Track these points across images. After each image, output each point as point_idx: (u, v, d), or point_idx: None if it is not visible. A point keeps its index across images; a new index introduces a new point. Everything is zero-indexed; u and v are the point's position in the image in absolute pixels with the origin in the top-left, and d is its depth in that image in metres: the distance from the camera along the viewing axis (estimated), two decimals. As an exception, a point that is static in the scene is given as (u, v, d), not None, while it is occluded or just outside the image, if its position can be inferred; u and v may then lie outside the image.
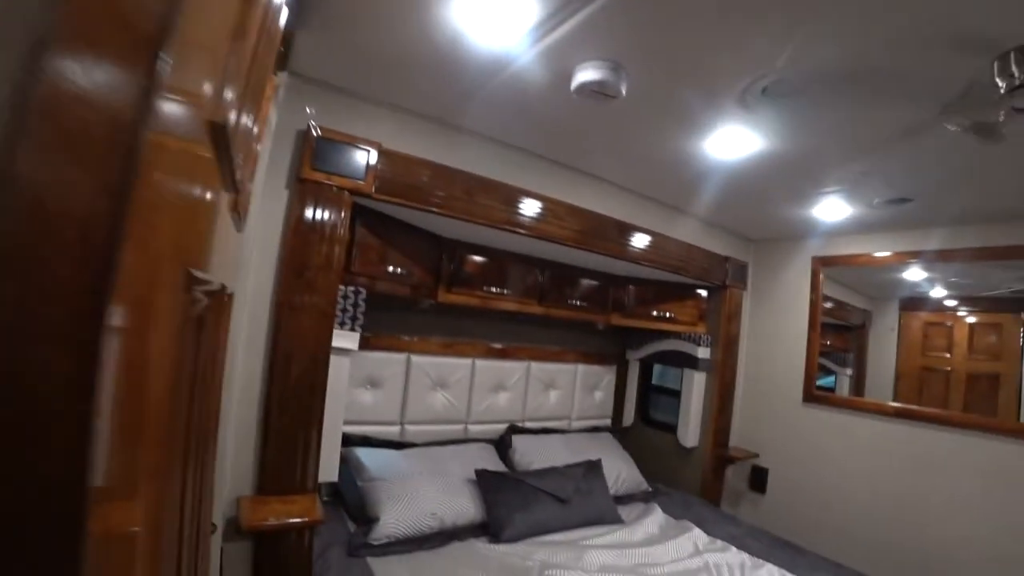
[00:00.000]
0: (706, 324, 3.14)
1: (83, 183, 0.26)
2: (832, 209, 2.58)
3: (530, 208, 2.26)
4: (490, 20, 1.34)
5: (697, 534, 2.40)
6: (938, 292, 2.83)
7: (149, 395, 0.40)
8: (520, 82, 1.64)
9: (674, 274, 2.90)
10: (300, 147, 1.79)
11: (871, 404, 2.84)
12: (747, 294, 3.40)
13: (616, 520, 2.49)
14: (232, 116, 0.66)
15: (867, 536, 2.73)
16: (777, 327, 3.31)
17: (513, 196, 2.21)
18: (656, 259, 2.74)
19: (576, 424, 3.22)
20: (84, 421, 0.26)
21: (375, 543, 1.96)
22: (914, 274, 2.85)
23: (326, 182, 1.78)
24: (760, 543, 2.36)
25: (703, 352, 3.08)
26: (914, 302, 2.91)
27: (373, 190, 1.86)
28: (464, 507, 2.22)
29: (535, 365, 3.05)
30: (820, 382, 3.11)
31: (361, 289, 1.97)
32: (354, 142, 1.83)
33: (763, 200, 2.62)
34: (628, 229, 2.63)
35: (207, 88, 0.47)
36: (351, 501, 2.21)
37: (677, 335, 3.19)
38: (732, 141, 1.90)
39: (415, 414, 2.62)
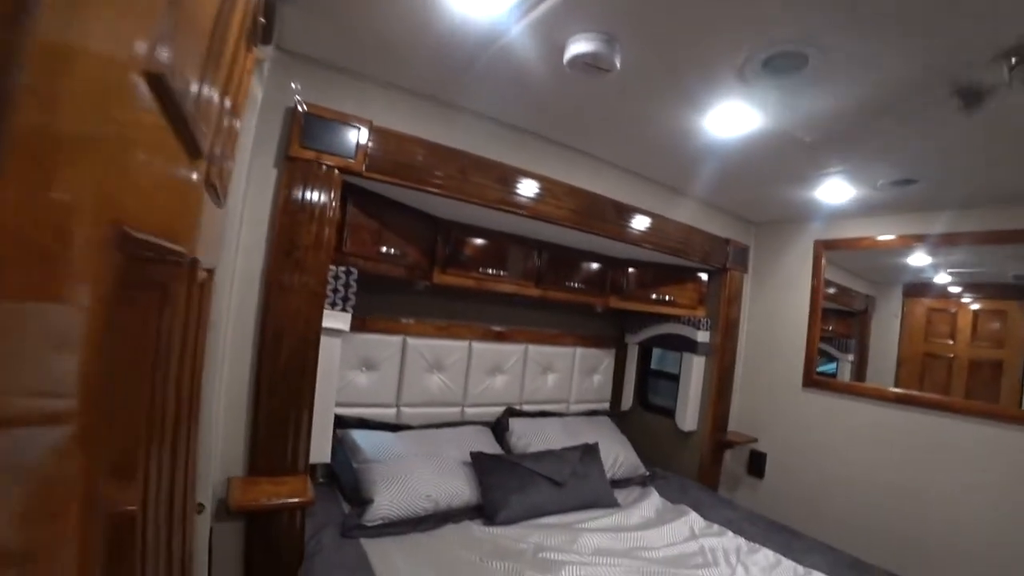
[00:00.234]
0: (706, 307, 3.11)
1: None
2: (835, 191, 2.52)
3: (526, 188, 2.22)
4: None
5: (693, 518, 2.39)
6: (942, 278, 2.78)
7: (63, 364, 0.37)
8: (512, 56, 1.58)
9: (673, 256, 2.86)
10: (288, 124, 1.75)
11: (872, 389, 2.81)
12: (748, 277, 3.35)
13: (612, 504, 2.48)
14: (188, 81, 0.63)
15: (866, 522, 2.71)
16: (778, 311, 3.26)
17: (508, 175, 2.17)
18: (655, 241, 2.70)
19: (574, 408, 3.21)
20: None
21: (369, 524, 1.96)
22: (918, 259, 2.80)
23: (315, 160, 1.75)
24: (757, 527, 2.35)
25: (702, 336, 3.04)
26: (917, 288, 2.86)
27: (364, 168, 1.82)
28: (459, 489, 2.22)
29: (533, 348, 3.02)
30: (821, 368, 3.07)
31: (353, 269, 1.94)
32: (344, 119, 1.79)
33: (764, 181, 2.56)
34: (626, 210, 2.59)
35: (139, 41, 0.44)
36: (346, 483, 2.21)
37: (676, 319, 3.16)
38: (731, 118, 1.84)
39: (411, 396, 2.61)
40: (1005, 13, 1.14)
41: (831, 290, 3.10)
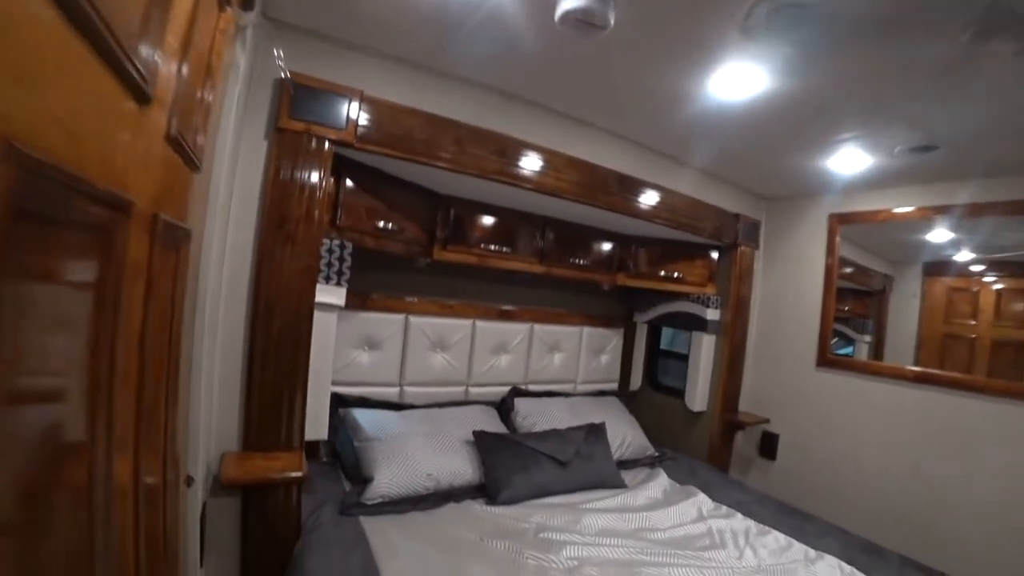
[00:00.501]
0: (716, 285, 3.01)
1: None
2: (849, 160, 2.39)
3: (525, 159, 2.15)
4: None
5: (702, 499, 2.34)
6: (964, 256, 2.65)
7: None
8: (502, 15, 1.51)
9: (682, 232, 2.77)
10: (278, 96, 1.71)
11: (888, 368, 2.70)
12: (759, 254, 3.24)
13: (619, 484, 2.44)
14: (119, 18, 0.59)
15: (880, 505, 2.62)
16: (791, 288, 3.15)
17: (506, 146, 2.10)
18: (662, 215, 2.61)
19: (581, 388, 3.16)
20: None
21: (368, 502, 1.95)
22: (939, 235, 2.67)
23: (305, 131, 1.71)
24: (767, 510, 2.28)
25: (712, 314, 2.96)
26: (938, 266, 2.73)
27: (355, 140, 1.77)
28: (461, 468, 2.19)
29: (538, 327, 2.98)
30: (839, 351, 2.96)
31: (347, 244, 1.90)
32: (334, 89, 1.74)
33: (773, 149, 2.43)
34: (631, 183, 2.50)
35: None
36: (348, 462, 2.20)
37: (686, 296, 3.07)
38: (736, 79, 1.74)
39: (414, 375, 2.59)
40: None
41: (848, 269, 2.98)
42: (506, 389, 2.84)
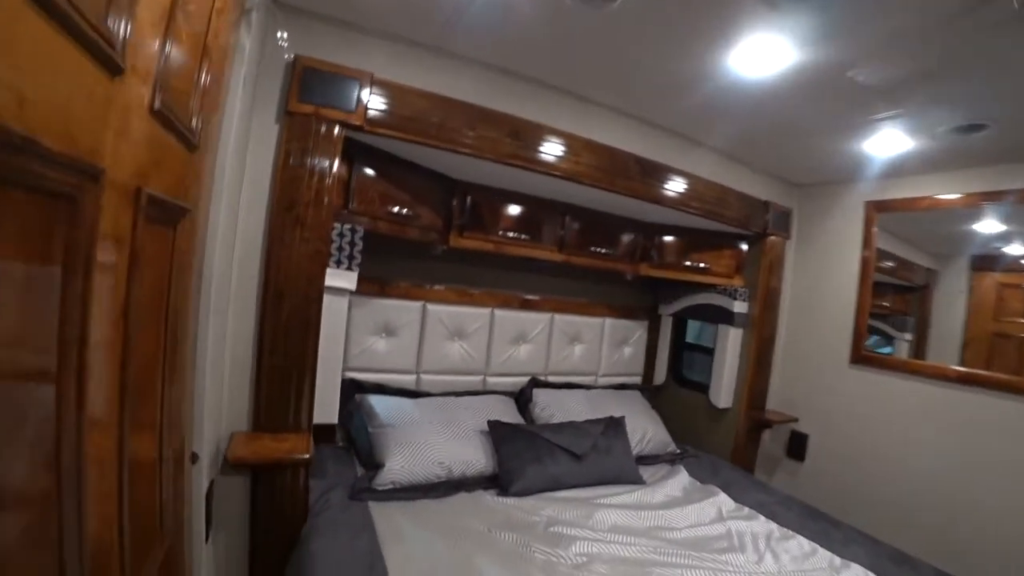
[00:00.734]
0: (744, 276, 2.89)
1: None
2: (887, 142, 2.23)
3: (540, 142, 2.10)
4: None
5: (723, 499, 2.25)
6: (1016, 248, 2.43)
7: None
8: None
9: (707, 220, 2.66)
10: (288, 80, 1.71)
11: (929, 367, 2.52)
12: (791, 244, 3.09)
13: (636, 480, 2.38)
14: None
15: (915, 513, 2.46)
16: (824, 280, 2.98)
17: (520, 128, 2.05)
18: (686, 202, 2.51)
19: (603, 380, 3.09)
20: None
21: (379, 488, 1.95)
22: (988, 225, 2.45)
23: (314, 114, 1.71)
24: (791, 512, 2.17)
25: (739, 307, 2.84)
26: (987, 260, 2.51)
27: (364, 122, 1.76)
28: (474, 458, 2.17)
29: (559, 317, 2.92)
30: (879, 351, 2.79)
31: (359, 228, 1.90)
32: (344, 72, 1.74)
33: (803, 131, 2.29)
34: (652, 167, 2.41)
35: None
36: (362, 448, 2.21)
37: (712, 288, 2.96)
38: (760, 53, 1.63)
39: (431, 364, 2.58)
40: None
41: (888, 263, 2.79)
42: (525, 380, 2.80)
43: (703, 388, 3.09)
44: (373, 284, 2.38)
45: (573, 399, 2.74)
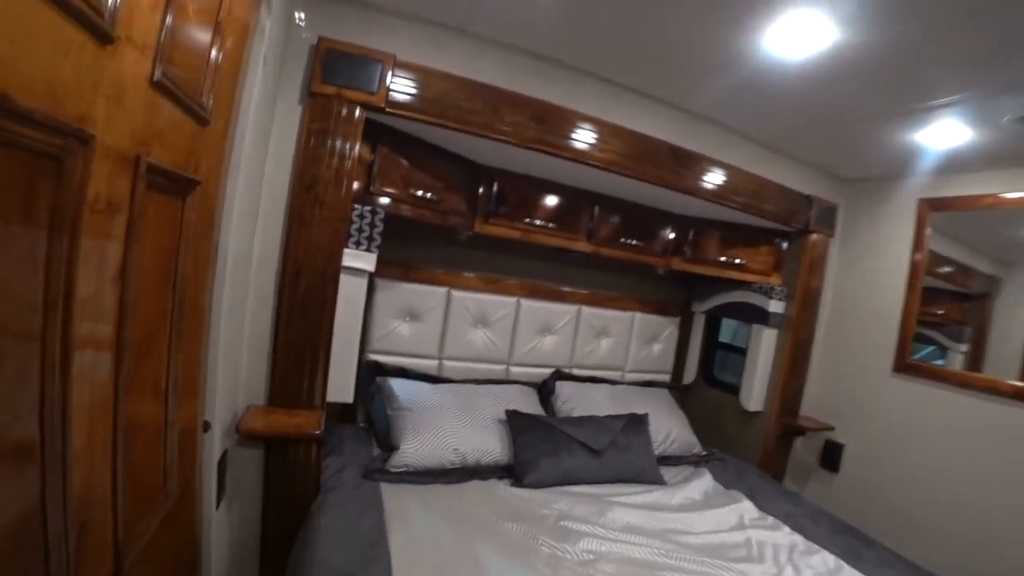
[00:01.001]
0: (781, 274, 2.74)
1: None
2: (944, 132, 2.05)
3: (565, 127, 2.05)
4: None
5: (746, 507, 2.14)
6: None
7: None
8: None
9: (744, 213, 2.53)
10: (312, 61, 1.74)
11: (981, 380, 2.31)
12: (834, 242, 2.90)
13: (656, 480, 2.30)
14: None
15: (959, 540, 2.27)
16: (869, 282, 2.79)
17: (545, 112, 2.00)
18: (721, 194, 2.40)
19: (630, 376, 3.00)
20: None
21: (392, 470, 1.97)
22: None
23: (335, 95, 1.72)
24: (819, 526, 2.03)
25: (775, 306, 2.69)
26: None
27: (385, 104, 1.77)
28: (490, 446, 2.16)
29: (586, 310, 2.86)
30: (935, 362, 2.59)
31: (379, 210, 1.90)
32: (366, 54, 1.74)
33: (848, 119, 2.12)
34: (683, 155, 2.31)
35: None
36: (380, 429, 2.24)
37: (747, 285, 2.82)
38: (797, 32, 1.52)
39: (454, 350, 2.58)
40: None
41: (946, 268, 2.58)
42: (548, 371, 2.77)
43: (734, 389, 2.96)
44: (398, 268, 2.39)
45: (597, 393, 2.68)
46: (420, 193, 2.10)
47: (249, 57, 1.42)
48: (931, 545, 2.29)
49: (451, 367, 2.58)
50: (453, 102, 1.85)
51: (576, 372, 2.84)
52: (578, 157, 2.07)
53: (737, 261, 2.78)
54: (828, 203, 2.76)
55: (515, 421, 2.25)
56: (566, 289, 2.83)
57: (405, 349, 2.49)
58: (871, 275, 2.80)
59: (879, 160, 2.55)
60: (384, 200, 2.00)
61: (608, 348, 2.95)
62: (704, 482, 2.35)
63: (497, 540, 1.65)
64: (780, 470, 2.77)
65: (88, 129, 0.75)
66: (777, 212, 2.57)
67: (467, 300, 2.58)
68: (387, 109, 1.77)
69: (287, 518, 1.75)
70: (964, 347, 2.52)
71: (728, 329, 3.27)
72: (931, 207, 2.56)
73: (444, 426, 2.13)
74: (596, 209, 2.65)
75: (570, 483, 2.14)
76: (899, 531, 2.38)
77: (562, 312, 2.80)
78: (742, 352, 2.99)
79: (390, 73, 1.76)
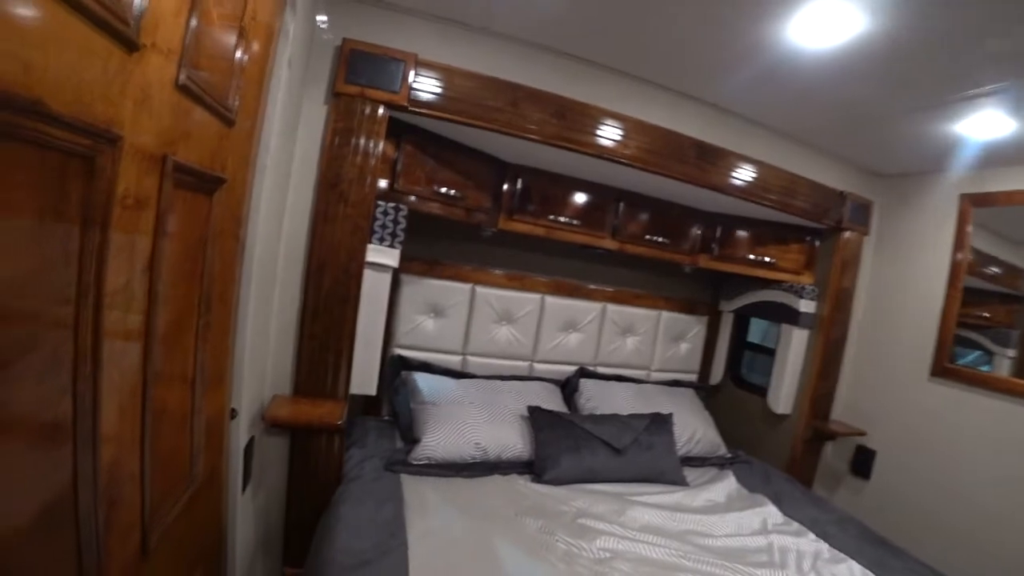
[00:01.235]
0: (813, 273, 2.66)
1: None
2: (986, 124, 1.94)
3: (587, 122, 2.04)
4: None
5: (770, 511, 2.09)
6: None
7: None
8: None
9: (774, 210, 2.47)
10: (336, 62, 1.79)
11: (1022, 386, 2.19)
12: (869, 240, 2.79)
13: (678, 481, 2.28)
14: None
15: (995, 555, 2.15)
16: (906, 282, 2.68)
17: (566, 108, 2.00)
18: (749, 190, 2.35)
19: (655, 376, 2.97)
20: None
21: (414, 462, 2.01)
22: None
23: (359, 95, 1.77)
24: (847, 534, 1.96)
25: (806, 306, 2.61)
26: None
27: (408, 103, 1.80)
28: (512, 442, 2.18)
29: (612, 307, 2.85)
30: (981, 368, 2.46)
31: (402, 207, 1.94)
32: (388, 54, 1.79)
33: (881, 111, 2.03)
34: (710, 151, 2.27)
35: None
36: (404, 422, 2.28)
37: (777, 284, 2.75)
38: (824, 20, 1.47)
39: (478, 346, 2.61)
40: None
41: (993, 269, 2.45)
42: (572, 368, 2.77)
43: (762, 391, 2.89)
44: (423, 264, 2.44)
45: (622, 392, 2.67)
46: (444, 190, 2.13)
47: (274, 59, 1.47)
48: (968, 560, 2.19)
49: (475, 363, 2.60)
50: (475, 100, 1.87)
51: (601, 370, 2.83)
52: (601, 153, 2.06)
53: (767, 259, 2.71)
54: (862, 199, 2.66)
55: (537, 417, 2.26)
56: (591, 286, 2.82)
57: (430, 344, 2.53)
58: (908, 275, 2.69)
59: (916, 154, 2.44)
60: (408, 197, 2.03)
61: (634, 346, 2.92)
62: (728, 484, 2.31)
63: (514, 534, 1.67)
64: (808, 475, 2.70)
65: (116, 130, 0.80)
66: (808, 209, 2.49)
67: (491, 296, 2.60)
68: (410, 108, 1.81)
69: (310, 505, 1.81)
70: (1012, 352, 2.39)
71: (757, 329, 3.19)
72: (973, 203, 2.43)
73: (466, 420, 2.16)
74: (621, 206, 2.63)
75: (591, 481, 2.14)
76: (933, 543, 2.28)
77: (587, 309, 2.80)
78: (771, 353, 2.91)
79: (412, 72, 1.80)
